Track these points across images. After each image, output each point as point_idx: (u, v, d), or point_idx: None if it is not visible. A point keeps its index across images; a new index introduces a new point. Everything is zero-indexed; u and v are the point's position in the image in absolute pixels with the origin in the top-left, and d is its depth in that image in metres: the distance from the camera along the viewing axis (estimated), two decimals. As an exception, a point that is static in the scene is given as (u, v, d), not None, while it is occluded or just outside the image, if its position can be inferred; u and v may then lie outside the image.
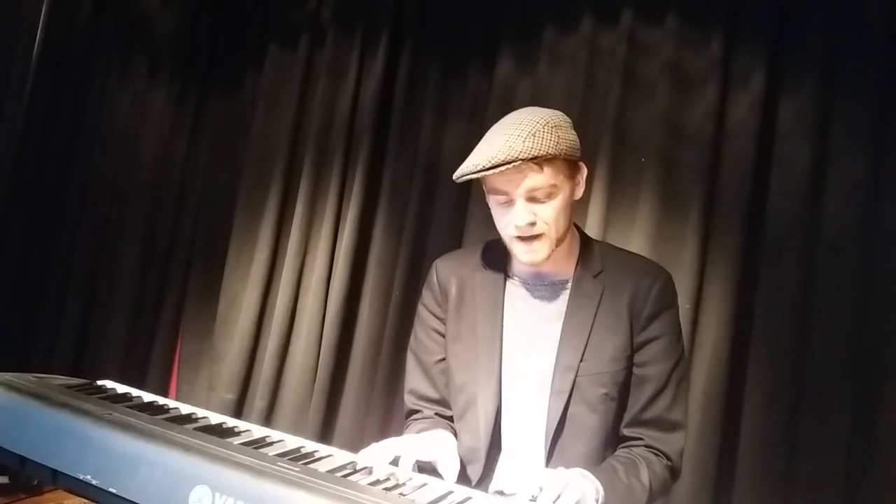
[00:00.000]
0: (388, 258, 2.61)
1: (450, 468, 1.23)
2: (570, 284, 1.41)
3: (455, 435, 1.45)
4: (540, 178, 1.28)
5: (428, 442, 1.30)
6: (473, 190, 2.44)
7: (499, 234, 1.39)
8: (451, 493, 1.08)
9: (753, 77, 2.13)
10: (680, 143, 2.21)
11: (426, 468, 1.25)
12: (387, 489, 1.03)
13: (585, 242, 1.46)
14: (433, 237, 2.54)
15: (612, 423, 1.37)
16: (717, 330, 2.09)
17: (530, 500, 1.08)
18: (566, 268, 1.42)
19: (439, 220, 2.54)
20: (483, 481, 1.40)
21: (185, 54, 3.14)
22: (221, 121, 3.07)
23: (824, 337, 1.99)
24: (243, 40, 3.04)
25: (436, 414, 1.50)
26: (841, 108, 2.04)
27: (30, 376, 1.19)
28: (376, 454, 1.18)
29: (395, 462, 1.17)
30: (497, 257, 1.45)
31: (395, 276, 2.58)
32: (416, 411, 1.51)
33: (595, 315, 1.37)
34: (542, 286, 1.42)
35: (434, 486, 1.10)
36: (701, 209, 2.14)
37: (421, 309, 1.53)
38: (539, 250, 1.33)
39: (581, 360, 1.35)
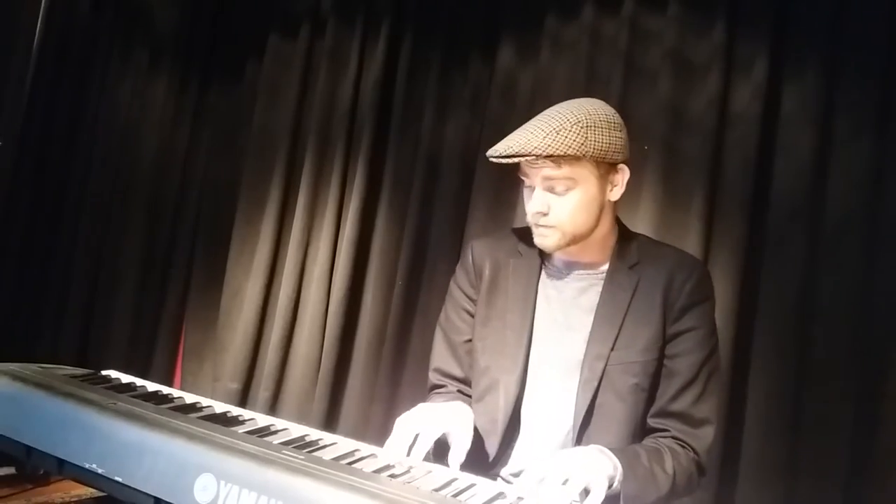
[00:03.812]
0: (390, 248, 2.61)
1: (461, 444, 1.22)
2: (604, 276, 1.40)
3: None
4: (557, 171, 1.29)
5: (447, 416, 1.28)
6: (476, 180, 2.44)
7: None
8: (455, 479, 1.09)
9: (756, 64, 2.11)
10: (683, 131, 2.20)
11: (439, 441, 1.24)
12: (392, 476, 1.03)
13: (623, 234, 1.45)
14: (436, 227, 2.54)
15: (642, 414, 1.36)
16: (721, 317, 2.07)
17: (534, 485, 1.08)
18: (601, 259, 1.41)
19: (442, 210, 2.53)
20: (494, 466, 1.40)
21: (186, 45, 3.13)
22: (222, 112, 3.07)
23: (828, 324, 1.98)
24: (243, 31, 3.03)
25: (458, 391, 1.50)
26: (844, 94, 2.03)
27: (34, 366, 1.19)
28: (400, 438, 1.17)
29: (413, 443, 1.16)
30: (533, 245, 1.43)
31: (397, 265, 2.58)
32: (440, 386, 1.52)
33: (628, 306, 1.36)
34: (577, 276, 1.42)
35: (439, 474, 1.11)
36: (704, 197, 2.13)
37: (453, 288, 1.53)
38: (548, 237, 1.34)
39: (612, 350, 1.34)
